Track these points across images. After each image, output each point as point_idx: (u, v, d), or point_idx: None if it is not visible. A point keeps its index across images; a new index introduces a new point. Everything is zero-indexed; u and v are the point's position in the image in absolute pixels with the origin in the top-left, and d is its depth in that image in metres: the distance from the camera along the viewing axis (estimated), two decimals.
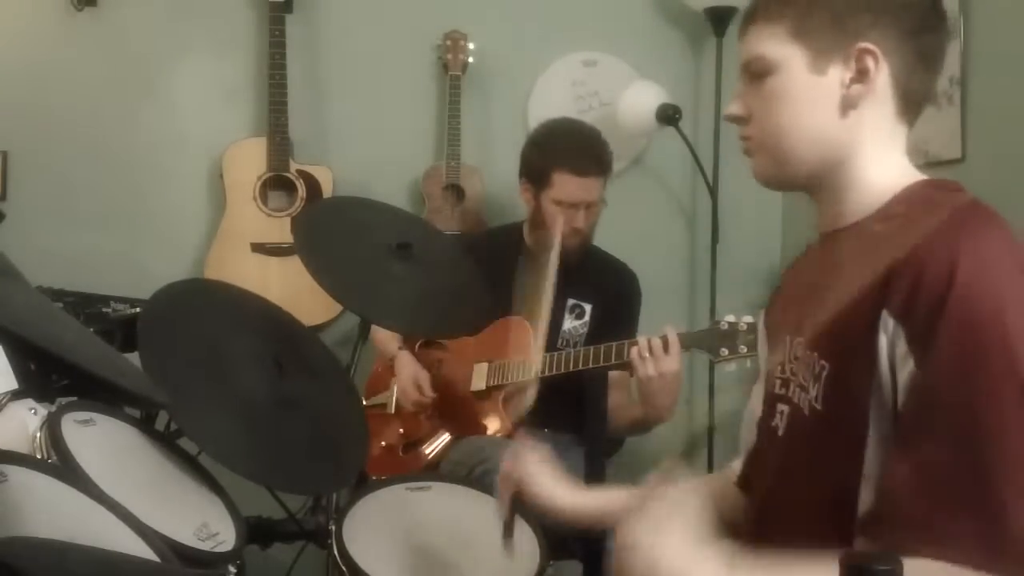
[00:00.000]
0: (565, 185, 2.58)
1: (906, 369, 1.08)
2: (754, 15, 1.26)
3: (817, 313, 1.23)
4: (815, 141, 1.24)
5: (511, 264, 2.66)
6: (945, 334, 1.04)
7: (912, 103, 1.24)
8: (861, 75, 1.20)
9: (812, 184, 1.28)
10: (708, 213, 3.23)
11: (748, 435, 1.48)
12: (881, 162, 1.24)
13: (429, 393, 2.63)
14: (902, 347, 1.08)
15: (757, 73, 1.25)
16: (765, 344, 1.45)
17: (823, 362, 1.18)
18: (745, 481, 1.47)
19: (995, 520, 1.01)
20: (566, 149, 2.60)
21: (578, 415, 2.65)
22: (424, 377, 2.64)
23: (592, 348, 2.45)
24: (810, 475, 1.20)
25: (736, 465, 1.51)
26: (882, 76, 1.21)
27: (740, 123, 1.30)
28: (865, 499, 1.13)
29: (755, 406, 1.47)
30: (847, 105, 1.22)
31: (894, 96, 1.22)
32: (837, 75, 1.21)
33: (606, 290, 2.73)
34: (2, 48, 3.12)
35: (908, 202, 1.20)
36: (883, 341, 1.10)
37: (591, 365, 2.43)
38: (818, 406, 1.18)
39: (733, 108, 1.30)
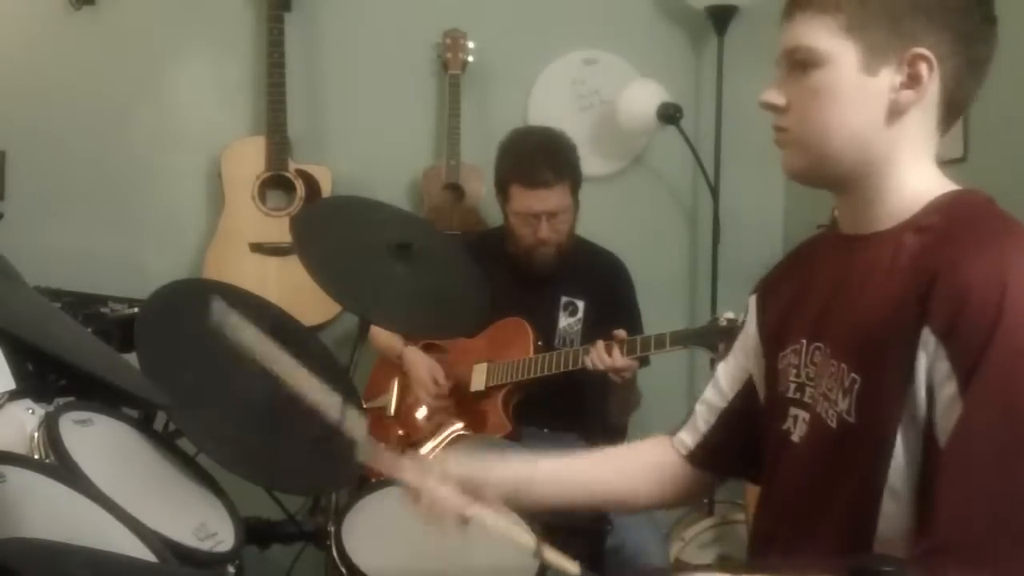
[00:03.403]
0: (520, 198, 2.61)
1: (947, 390, 1.06)
2: (806, 1, 1.21)
3: (844, 322, 1.20)
4: (856, 143, 1.19)
5: (496, 266, 2.66)
6: (998, 358, 1.03)
7: (954, 112, 1.21)
8: (913, 81, 1.16)
9: (843, 185, 1.24)
10: (709, 213, 3.23)
11: (706, 415, 1.47)
12: (916, 169, 1.21)
13: (444, 383, 2.64)
14: (944, 367, 1.06)
15: (802, 63, 1.20)
16: (756, 332, 1.41)
17: (854, 375, 1.16)
18: (703, 459, 1.46)
19: None
20: (518, 162, 2.62)
21: (578, 414, 2.65)
22: (437, 368, 2.66)
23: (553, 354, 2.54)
24: (834, 484, 1.19)
25: (686, 438, 1.48)
26: (933, 84, 1.17)
27: (776, 112, 1.24)
28: (887, 511, 1.12)
29: (724, 387, 1.46)
30: (894, 111, 1.18)
31: (940, 104, 1.19)
32: (888, 78, 1.17)
33: (596, 284, 2.74)
34: (0, 47, 3.11)
35: (941, 213, 1.17)
36: (923, 359, 1.08)
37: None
38: (850, 419, 1.16)
39: (772, 96, 1.24)
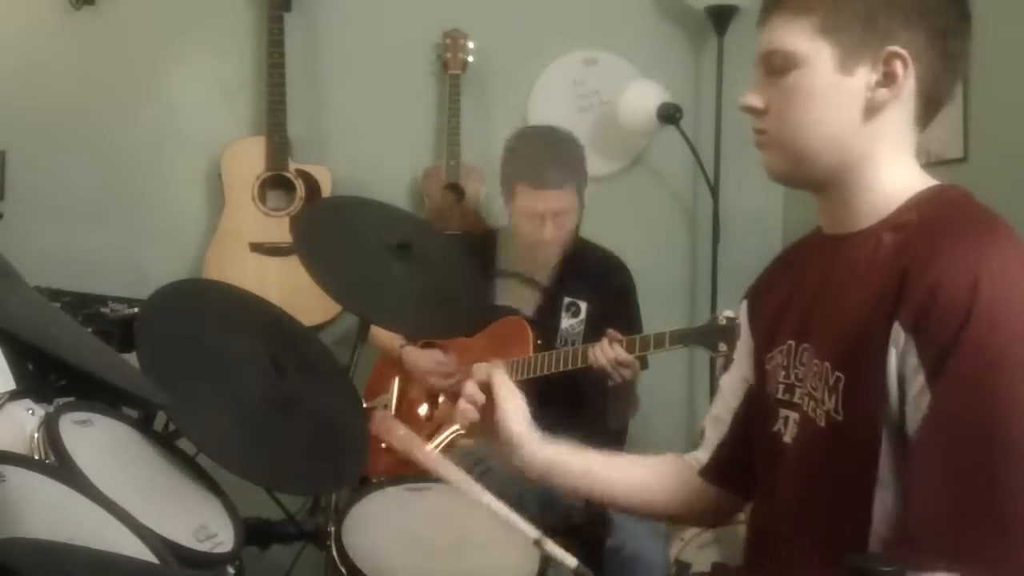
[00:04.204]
0: (526, 198, 2.60)
1: (916, 383, 1.07)
2: (780, 4, 1.22)
3: (827, 321, 1.22)
4: (834, 142, 1.21)
5: (487, 267, 2.67)
6: (966, 353, 1.03)
7: (932, 108, 1.22)
8: (888, 79, 1.18)
9: (822, 184, 1.25)
10: (709, 213, 3.24)
11: (716, 429, 1.47)
12: (894, 167, 1.22)
13: (450, 362, 2.65)
14: (913, 360, 1.07)
15: (779, 66, 1.21)
16: (749, 338, 1.42)
17: (838, 373, 1.17)
18: (717, 474, 1.46)
19: (1020, 543, 1.01)
20: (525, 162, 2.62)
21: (578, 414, 2.65)
22: (438, 354, 2.67)
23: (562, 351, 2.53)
24: (827, 483, 1.20)
25: (699, 454, 1.48)
26: (909, 81, 1.18)
27: (756, 115, 1.26)
28: (880, 504, 1.14)
29: (729, 398, 1.46)
30: (871, 109, 1.19)
31: (916, 101, 1.20)
32: (864, 77, 1.18)
33: (599, 286, 2.74)
34: (0, 47, 3.11)
35: (918, 210, 1.18)
36: (893, 353, 1.09)
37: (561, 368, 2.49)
38: (838, 417, 1.17)
39: (751, 99, 1.26)
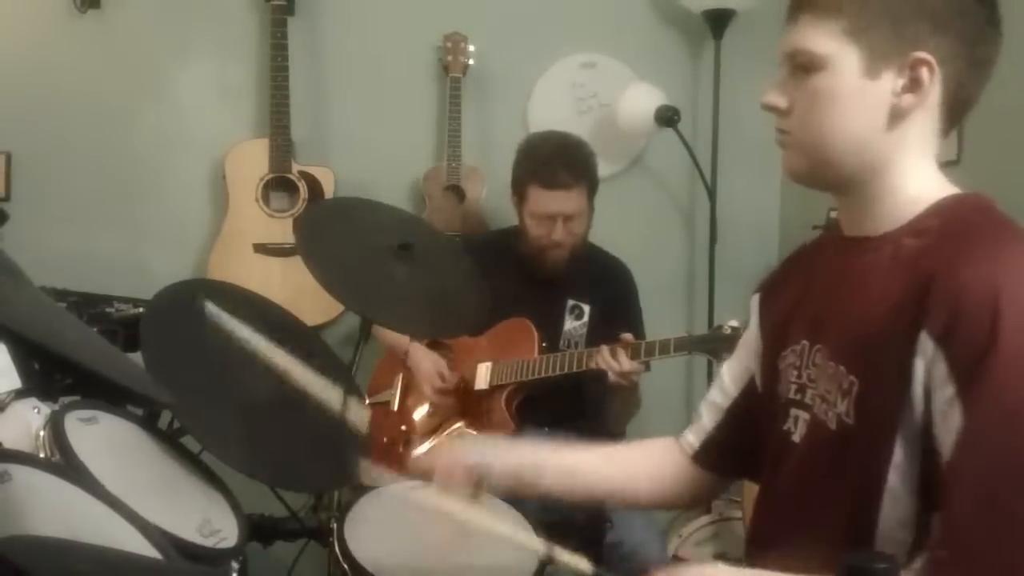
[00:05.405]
0: (537, 198, 2.62)
1: (944, 393, 1.06)
2: (808, 3, 1.20)
3: (842, 324, 1.21)
4: (857, 147, 1.19)
5: (504, 268, 2.68)
6: (998, 365, 1.02)
7: (957, 113, 1.21)
8: (914, 85, 1.16)
9: (843, 187, 1.24)
10: (706, 215, 3.25)
11: (711, 415, 1.48)
12: (917, 172, 1.20)
13: (449, 378, 2.67)
14: (941, 370, 1.06)
15: (803, 66, 1.19)
16: (757, 330, 1.42)
17: (852, 378, 1.16)
18: (708, 459, 1.48)
19: None
20: (537, 163, 2.63)
21: (579, 415, 2.67)
22: (442, 363, 2.69)
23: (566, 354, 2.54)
24: (833, 485, 1.20)
25: (692, 438, 1.50)
26: (934, 87, 1.16)
27: (778, 114, 1.24)
28: (887, 512, 1.14)
29: (729, 386, 1.46)
30: (896, 114, 1.17)
31: (942, 107, 1.18)
32: (889, 82, 1.16)
33: (602, 290, 2.76)
34: (6, 50, 3.14)
35: (939, 216, 1.17)
36: (920, 363, 1.08)
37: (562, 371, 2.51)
38: (849, 421, 1.16)
39: (773, 98, 1.23)
